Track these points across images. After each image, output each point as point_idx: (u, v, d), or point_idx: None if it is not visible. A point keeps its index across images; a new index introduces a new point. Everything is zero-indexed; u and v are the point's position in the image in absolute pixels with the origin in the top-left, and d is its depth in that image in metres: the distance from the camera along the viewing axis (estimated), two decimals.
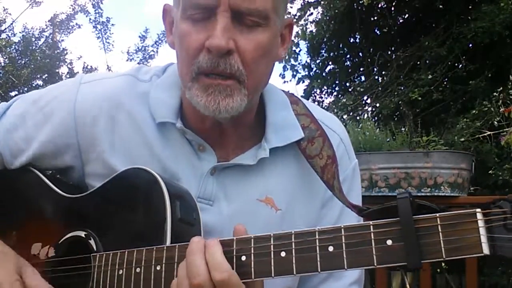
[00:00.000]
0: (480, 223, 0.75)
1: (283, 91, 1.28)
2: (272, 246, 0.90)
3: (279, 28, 1.10)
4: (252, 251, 0.91)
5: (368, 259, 0.82)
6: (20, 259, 1.15)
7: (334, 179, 1.12)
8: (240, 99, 1.05)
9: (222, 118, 1.08)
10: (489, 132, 4.48)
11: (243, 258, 0.92)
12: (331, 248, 0.85)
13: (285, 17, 1.15)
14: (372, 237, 0.83)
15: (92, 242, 1.12)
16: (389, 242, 0.81)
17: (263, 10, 1.02)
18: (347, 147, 1.27)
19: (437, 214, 0.78)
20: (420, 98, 5.78)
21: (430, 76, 5.95)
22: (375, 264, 0.81)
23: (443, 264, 4.78)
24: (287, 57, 8.24)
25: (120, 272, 1.03)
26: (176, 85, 1.17)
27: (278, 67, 8.60)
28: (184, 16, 1.04)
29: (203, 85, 1.05)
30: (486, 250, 0.74)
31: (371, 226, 0.83)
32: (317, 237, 0.87)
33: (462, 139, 4.56)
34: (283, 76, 8.47)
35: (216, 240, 0.93)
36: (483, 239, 0.74)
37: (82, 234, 1.14)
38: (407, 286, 3.79)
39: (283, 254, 0.89)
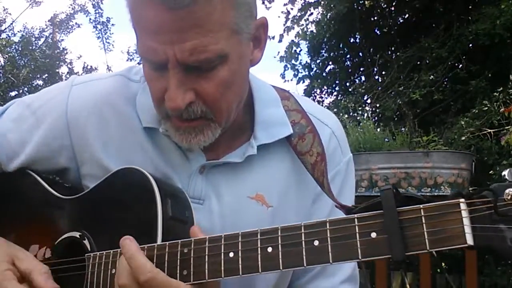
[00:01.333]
0: (464, 213, 0.74)
1: (274, 87, 1.27)
2: (259, 241, 0.89)
3: (247, 39, 1.05)
4: (240, 247, 0.91)
5: (352, 252, 0.81)
6: (11, 245, 1.14)
7: (324, 177, 1.11)
8: (212, 132, 1.05)
9: (197, 148, 1.11)
10: (489, 130, 4.47)
11: (231, 254, 0.91)
12: (316, 242, 0.85)
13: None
14: (357, 230, 0.82)
15: (86, 242, 1.12)
16: (373, 234, 0.80)
17: (215, 55, 0.96)
18: (340, 141, 1.25)
19: (421, 206, 0.77)
20: (420, 99, 5.77)
21: (431, 77, 5.95)
22: (360, 257, 0.80)
23: (443, 264, 4.77)
24: (288, 57, 8.25)
25: (113, 271, 1.03)
26: None
27: (279, 66, 8.61)
28: (142, 59, 1.03)
29: (175, 126, 1.05)
30: (470, 240, 0.73)
31: (356, 219, 0.82)
32: (302, 231, 0.86)
33: (463, 138, 4.55)
34: (283, 76, 8.49)
35: (133, 242, 0.97)
36: (467, 229, 0.73)
37: (77, 234, 1.14)
38: (407, 286, 3.78)
39: (269, 249, 0.88)
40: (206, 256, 0.93)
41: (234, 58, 1.01)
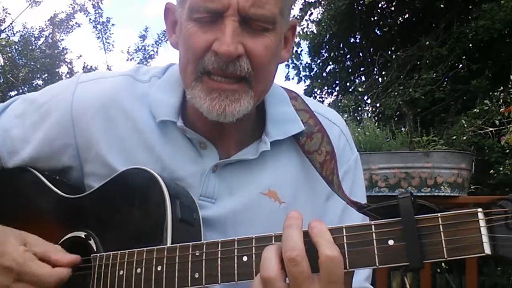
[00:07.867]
0: (482, 223, 0.74)
1: (282, 87, 1.28)
2: None
3: (284, 31, 1.11)
4: (254, 251, 0.90)
5: (370, 260, 0.81)
6: (16, 230, 1.12)
7: (334, 175, 1.12)
8: (247, 102, 1.05)
9: (226, 121, 1.07)
10: (491, 129, 4.47)
11: (245, 258, 0.91)
12: None
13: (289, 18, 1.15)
14: (374, 237, 0.82)
15: (92, 242, 1.11)
16: (390, 242, 0.80)
17: (271, 15, 1.02)
18: (348, 138, 1.28)
19: (439, 214, 0.78)
20: (423, 97, 5.79)
21: (432, 75, 5.96)
22: (377, 265, 0.80)
23: (443, 264, 4.77)
24: (290, 57, 8.26)
25: (121, 272, 1.02)
26: (178, 84, 1.17)
27: (281, 66, 8.61)
28: (190, 18, 1.04)
29: (207, 87, 1.04)
30: (487, 250, 0.73)
31: (373, 226, 0.82)
32: None
33: (465, 137, 4.56)
34: (287, 77, 8.50)
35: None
36: (485, 239, 0.73)
37: (82, 234, 1.14)
38: (407, 286, 3.78)
39: None
40: (219, 259, 0.92)
41: (277, 36, 1.06)
